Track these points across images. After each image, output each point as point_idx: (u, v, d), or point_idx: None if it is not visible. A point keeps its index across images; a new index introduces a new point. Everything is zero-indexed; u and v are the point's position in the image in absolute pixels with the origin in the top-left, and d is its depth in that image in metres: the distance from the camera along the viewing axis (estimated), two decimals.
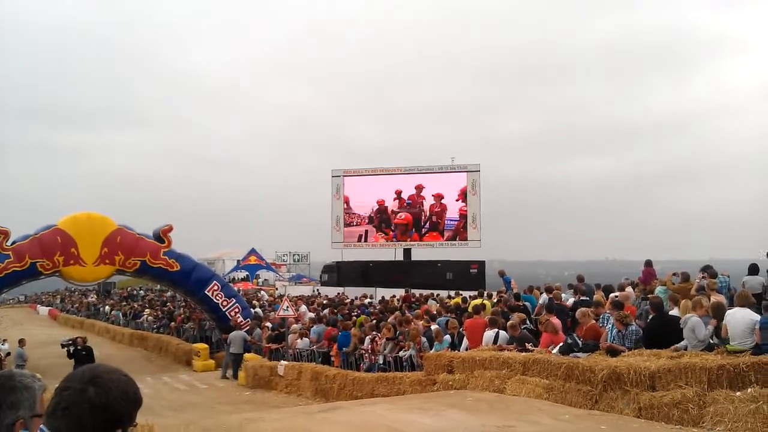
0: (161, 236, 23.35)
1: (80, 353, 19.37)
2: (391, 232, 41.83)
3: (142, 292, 50.20)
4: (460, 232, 40.40)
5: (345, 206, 42.11)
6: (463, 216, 40.32)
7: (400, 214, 41.47)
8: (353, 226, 42.25)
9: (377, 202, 42.00)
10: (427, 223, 41.27)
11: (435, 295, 26.61)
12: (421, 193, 41.11)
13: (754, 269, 14.13)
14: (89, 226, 22.20)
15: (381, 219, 42.06)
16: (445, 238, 40.80)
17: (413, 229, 41.31)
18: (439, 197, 40.84)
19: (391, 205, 41.81)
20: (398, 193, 41.59)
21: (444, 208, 40.84)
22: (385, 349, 15.75)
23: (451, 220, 40.71)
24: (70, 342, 20.18)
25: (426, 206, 41.20)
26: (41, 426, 2.25)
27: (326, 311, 23.51)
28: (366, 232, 42.28)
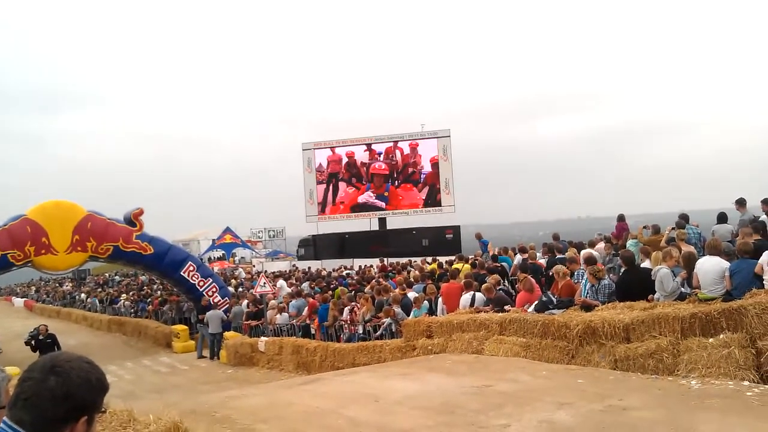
0: (132, 220, 23.10)
1: (44, 342, 19.10)
2: (363, 185, 41.49)
3: (117, 277, 49.78)
4: (434, 184, 40.28)
5: (317, 173, 41.80)
6: (435, 165, 40.25)
7: (377, 163, 40.95)
8: (321, 183, 41.97)
9: (346, 154, 41.36)
10: (401, 175, 41.10)
11: (412, 262, 26.75)
12: (398, 145, 40.92)
13: (723, 218, 14.32)
14: (58, 214, 21.89)
15: (351, 173, 41.72)
16: (419, 188, 40.65)
17: (389, 182, 41.05)
18: (414, 146, 40.63)
19: (361, 156, 41.37)
20: (368, 145, 41.32)
21: (419, 158, 40.64)
22: (364, 319, 15.83)
23: (423, 173, 40.59)
24: (35, 332, 19.96)
25: (399, 157, 40.97)
26: (3, 419, 2.21)
27: (305, 284, 23.56)
28: (334, 186, 41.90)
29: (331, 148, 41.99)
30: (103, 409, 2.29)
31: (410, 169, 40.79)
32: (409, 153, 40.65)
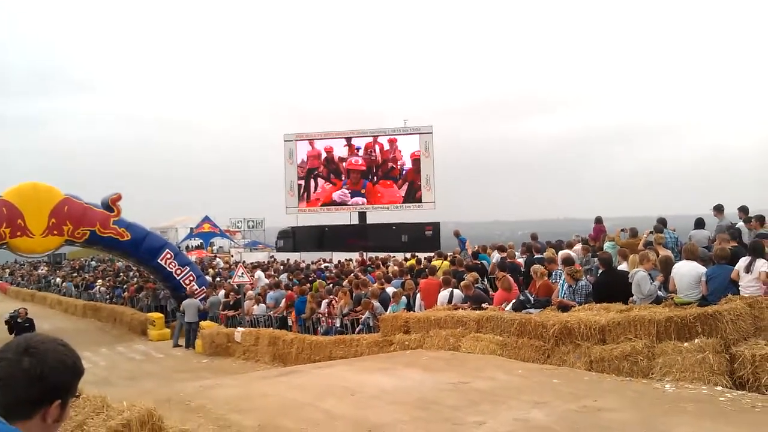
0: (110, 205, 22.90)
1: (22, 325, 19.06)
2: (339, 181, 41.38)
3: (93, 262, 49.32)
4: (413, 180, 40.30)
5: (298, 168, 41.68)
6: (416, 161, 40.25)
7: (353, 158, 40.76)
8: (300, 179, 41.85)
9: (324, 149, 41.31)
10: (380, 170, 41.05)
11: (391, 257, 26.79)
12: (378, 140, 40.85)
13: (700, 223, 14.47)
14: (35, 196, 21.61)
15: (330, 169, 41.61)
16: (398, 185, 40.65)
17: (366, 178, 40.90)
18: (393, 142, 40.59)
19: (340, 152, 41.20)
20: (348, 139, 41.21)
21: (399, 155, 40.64)
22: (342, 312, 15.82)
23: (403, 169, 40.62)
24: (15, 314, 19.83)
25: (378, 152, 40.87)
26: None
27: (283, 276, 23.50)
28: (313, 182, 41.83)
29: (309, 141, 41.85)
30: (77, 394, 2.25)
31: (390, 165, 40.76)
32: (389, 149, 40.60)
